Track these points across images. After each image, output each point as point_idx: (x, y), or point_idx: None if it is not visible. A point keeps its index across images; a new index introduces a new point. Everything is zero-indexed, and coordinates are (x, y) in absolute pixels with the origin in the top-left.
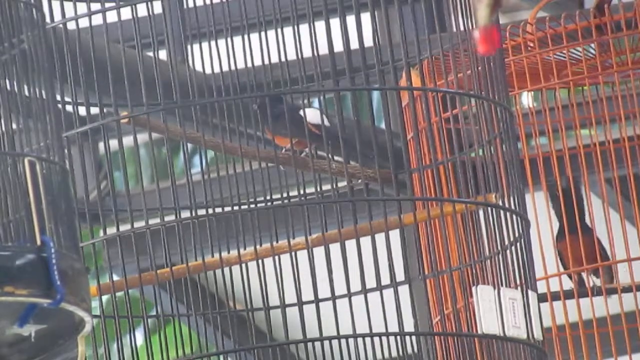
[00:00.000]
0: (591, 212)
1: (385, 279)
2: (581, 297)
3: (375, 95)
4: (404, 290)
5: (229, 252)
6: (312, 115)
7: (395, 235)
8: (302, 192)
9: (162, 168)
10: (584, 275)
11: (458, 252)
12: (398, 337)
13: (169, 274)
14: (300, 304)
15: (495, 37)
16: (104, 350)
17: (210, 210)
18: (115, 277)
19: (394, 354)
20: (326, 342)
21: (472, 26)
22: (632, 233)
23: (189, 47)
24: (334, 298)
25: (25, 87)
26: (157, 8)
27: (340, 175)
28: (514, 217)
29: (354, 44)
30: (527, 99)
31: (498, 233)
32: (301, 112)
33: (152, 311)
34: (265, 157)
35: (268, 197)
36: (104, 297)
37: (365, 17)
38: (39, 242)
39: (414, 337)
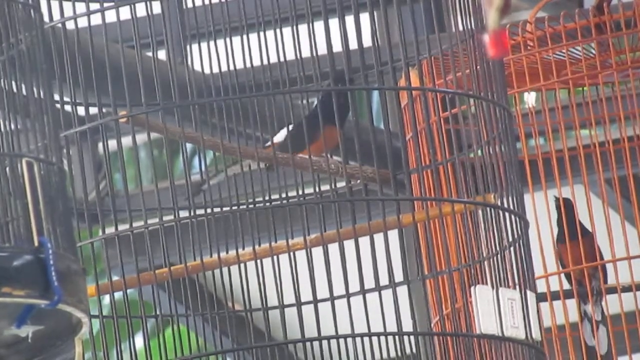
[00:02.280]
0: (591, 212)
1: (384, 279)
2: (581, 297)
3: (375, 95)
4: (402, 291)
5: (227, 252)
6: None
7: (394, 235)
8: (300, 192)
9: (161, 168)
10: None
11: (457, 253)
12: (396, 337)
13: (167, 273)
14: (298, 304)
15: (505, 40)
16: (103, 352)
17: (209, 210)
18: (114, 278)
19: (393, 354)
20: (324, 342)
21: (473, 28)
22: (632, 233)
23: (188, 47)
24: (332, 299)
25: (23, 88)
26: (156, 8)
27: (339, 175)
28: (513, 217)
29: (353, 44)
30: (530, 98)
31: (497, 233)
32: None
33: (151, 313)
34: (264, 157)
35: (267, 198)
36: (104, 299)
37: (364, 18)
38: (36, 243)
39: (412, 337)
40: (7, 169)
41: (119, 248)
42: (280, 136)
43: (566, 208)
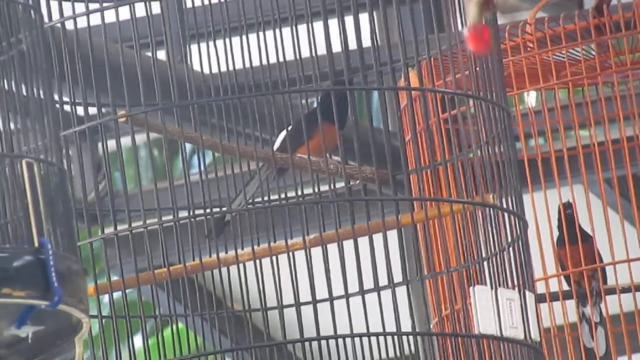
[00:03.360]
0: (590, 212)
1: (383, 280)
2: (579, 299)
3: (374, 96)
4: (401, 291)
5: (226, 252)
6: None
7: (393, 235)
8: (299, 192)
9: (160, 168)
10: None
11: (456, 253)
12: (395, 337)
13: (166, 273)
14: (298, 304)
15: (486, 36)
16: (102, 352)
17: (208, 211)
18: (113, 278)
19: (392, 354)
20: (323, 342)
21: (463, 25)
22: (631, 233)
23: (187, 47)
24: (331, 299)
25: (24, 88)
26: (156, 8)
27: (339, 175)
28: (512, 217)
29: (353, 45)
30: (531, 98)
31: (496, 233)
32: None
33: (150, 313)
34: (263, 157)
35: (266, 198)
36: (103, 299)
37: (364, 18)
38: (36, 244)
39: (411, 338)
40: (7, 169)
41: (118, 248)
42: (279, 140)
43: (567, 212)
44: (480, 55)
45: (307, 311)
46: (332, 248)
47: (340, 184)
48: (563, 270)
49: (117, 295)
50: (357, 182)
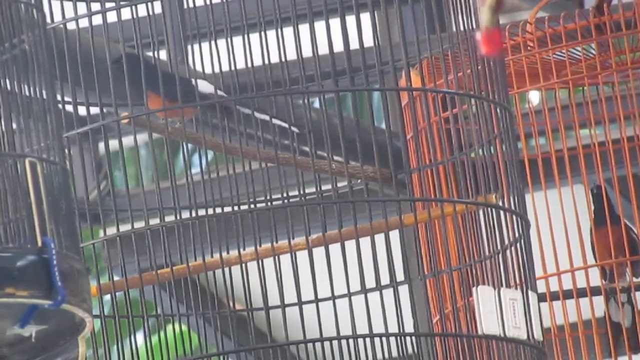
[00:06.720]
0: (590, 212)
1: (385, 279)
2: (580, 297)
3: (375, 95)
4: (403, 291)
5: (228, 253)
6: (204, 85)
7: (394, 235)
8: (302, 192)
9: (162, 168)
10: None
11: (458, 252)
12: (398, 338)
13: (169, 274)
14: (300, 303)
15: (498, 38)
16: (104, 351)
17: (211, 211)
18: (115, 278)
19: (394, 354)
20: (326, 343)
21: (474, 28)
22: None
23: (188, 47)
24: (333, 298)
25: (26, 88)
26: (157, 8)
27: (341, 175)
28: (514, 217)
29: (354, 44)
30: (533, 97)
31: (498, 233)
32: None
33: (152, 312)
34: (265, 157)
35: (268, 197)
36: (105, 300)
37: (365, 17)
38: (39, 243)
39: (413, 338)
40: (10, 168)
41: (121, 248)
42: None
43: (595, 197)
44: (491, 57)
45: (309, 311)
46: (334, 248)
47: (342, 183)
48: (594, 255)
49: (118, 294)
50: (359, 181)
